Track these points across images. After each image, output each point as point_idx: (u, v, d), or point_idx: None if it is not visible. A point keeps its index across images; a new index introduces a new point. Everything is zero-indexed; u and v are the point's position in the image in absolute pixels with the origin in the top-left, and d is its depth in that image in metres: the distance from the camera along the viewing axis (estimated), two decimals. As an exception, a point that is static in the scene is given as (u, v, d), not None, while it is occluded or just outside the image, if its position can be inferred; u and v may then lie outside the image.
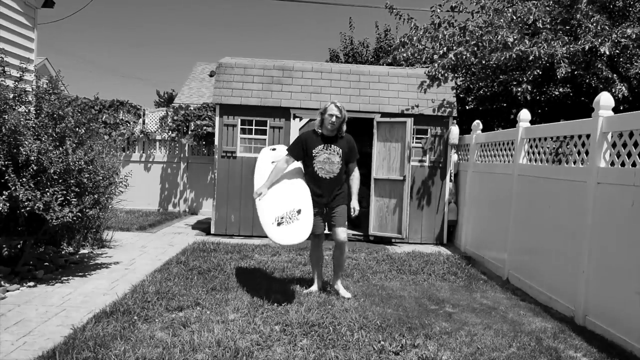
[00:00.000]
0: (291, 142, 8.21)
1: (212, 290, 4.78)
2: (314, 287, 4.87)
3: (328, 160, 4.60)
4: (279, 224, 4.41)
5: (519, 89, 7.56)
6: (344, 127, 4.66)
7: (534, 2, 7.40)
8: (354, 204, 4.69)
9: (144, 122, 11.09)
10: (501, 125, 9.33)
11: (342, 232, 4.65)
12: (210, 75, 20.62)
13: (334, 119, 4.52)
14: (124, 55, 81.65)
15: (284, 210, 4.48)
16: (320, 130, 4.66)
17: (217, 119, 8.21)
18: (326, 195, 4.63)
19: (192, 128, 10.61)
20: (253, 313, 4.14)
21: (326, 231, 4.87)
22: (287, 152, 4.75)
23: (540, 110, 8.70)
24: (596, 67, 7.14)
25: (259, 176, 4.82)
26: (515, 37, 7.06)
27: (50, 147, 4.76)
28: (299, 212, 4.45)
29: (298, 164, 4.79)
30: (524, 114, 5.96)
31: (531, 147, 5.75)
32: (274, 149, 5.20)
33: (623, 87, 6.76)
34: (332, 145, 4.63)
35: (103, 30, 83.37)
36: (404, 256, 6.84)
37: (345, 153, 4.66)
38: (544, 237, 5.21)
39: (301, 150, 4.66)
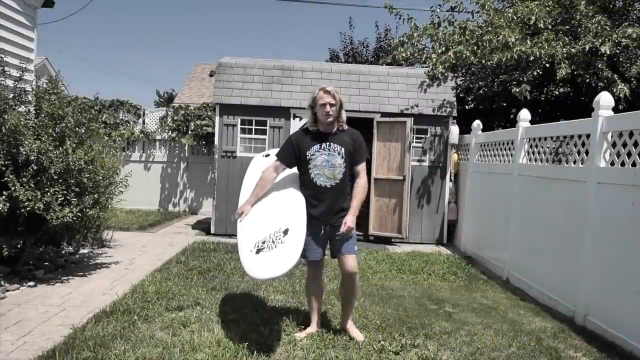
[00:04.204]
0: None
1: (212, 290, 4.78)
2: (313, 328, 3.81)
3: (327, 163, 3.58)
4: (258, 251, 3.35)
5: (518, 89, 7.56)
6: (344, 116, 3.65)
7: (535, 2, 7.40)
8: (349, 219, 3.52)
9: (144, 122, 11.10)
10: (501, 125, 9.33)
11: (352, 260, 3.59)
12: (210, 75, 20.59)
13: (327, 107, 3.53)
14: (124, 54, 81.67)
15: (268, 232, 3.44)
16: (314, 127, 3.67)
17: (217, 118, 8.21)
18: (328, 210, 3.60)
19: (192, 128, 10.61)
20: (253, 313, 4.13)
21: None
22: (275, 159, 3.77)
23: (540, 110, 8.70)
24: (596, 67, 7.14)
25: (246, 190, 3.90)
26: (516, 38, 7.05)
27: (50, 147, 4.75)
28: (285, 232, 3.38)
29: (291, 171, 3.82)
30: (524, 114, 5.96)
31: (531, 147, 5.75)
32: (267, 155, 4.22)
33: (625, 87, 6.73)
34: (331, 144, 3.60)
35: (103, 30, 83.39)
36: (404, 256, 6.85)
37: (349, 152, 3.62)
38: (544, 236, 5.21)
39: (292, 154, 3.67)
